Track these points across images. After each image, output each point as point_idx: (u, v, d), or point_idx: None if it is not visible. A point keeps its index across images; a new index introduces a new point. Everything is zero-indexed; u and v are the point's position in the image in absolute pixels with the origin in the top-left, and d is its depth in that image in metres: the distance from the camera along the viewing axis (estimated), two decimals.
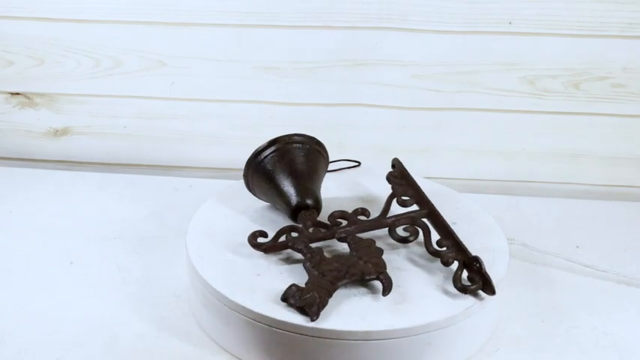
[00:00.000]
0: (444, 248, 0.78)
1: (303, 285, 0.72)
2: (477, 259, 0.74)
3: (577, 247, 0.96)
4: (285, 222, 0.83)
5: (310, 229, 0.79)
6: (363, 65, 1.06)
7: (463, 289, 0.73)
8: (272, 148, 0.85)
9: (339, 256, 0.76)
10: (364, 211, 0.83)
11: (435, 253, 0.77)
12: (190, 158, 1.14)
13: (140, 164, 1.15)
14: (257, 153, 0.86)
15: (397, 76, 1.06)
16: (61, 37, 1.06)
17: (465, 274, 0.75)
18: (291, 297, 0.71)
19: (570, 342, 0.79)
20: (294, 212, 0.82)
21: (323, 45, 1.05)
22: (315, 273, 0.73)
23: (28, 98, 1.12)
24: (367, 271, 0.74)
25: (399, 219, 0.81)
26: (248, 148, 1.12)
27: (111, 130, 1.13)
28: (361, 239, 0.78)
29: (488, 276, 0.73)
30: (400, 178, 0.87)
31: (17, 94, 1.12)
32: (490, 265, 0.79)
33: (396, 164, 0.89)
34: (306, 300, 0.70)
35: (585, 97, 1.06)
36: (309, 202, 0.82)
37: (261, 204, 0.89)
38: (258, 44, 1.05)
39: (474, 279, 0.74)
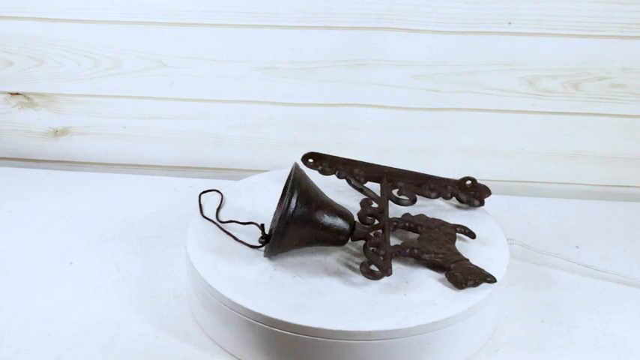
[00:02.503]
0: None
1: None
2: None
3: (577, 247, 0.96)
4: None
5: (378, 232, 0.80)
6: (362, 65, 1.06)
7: None
8: (295, 198, 0.75)
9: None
10: (368, 202, 0.85)
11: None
12: (190, 158, 1.14)
13: (140, 164, 1.15)
14: (285, 212, 0.75)
15: (397, 76, 1.06)
16: (60, 38, 1.06)
17: None
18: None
19: (570, 342, 0.79)
20: (352, 231, 0.79)
21: (323, 45, 1.05)
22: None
23: (28, 98, 1.12)
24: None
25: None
26: (248, 148, 1.12)
27: (111, 130, 1.13)
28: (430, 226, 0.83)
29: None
30: (318, 161, 0.89)
31: (17, 94, 1.12)
32: (490, 265, 0.79)
33: (303, 161, 0.90)
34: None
35: (585, 98, 1.06)
36: (351, 215, 0.80)
37: (261, 204, 0.89)
38: (258, 44, 1.05)
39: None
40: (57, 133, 1.14)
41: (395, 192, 0.89)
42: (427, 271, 0.78)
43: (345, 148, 1.11)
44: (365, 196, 0.87)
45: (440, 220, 0.85)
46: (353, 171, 0.89)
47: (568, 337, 0.80)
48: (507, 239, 0.85)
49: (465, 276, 0.75)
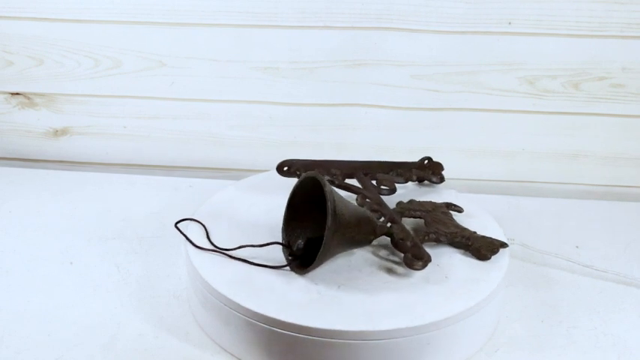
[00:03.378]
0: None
1: None
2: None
3: (577, 247, 0.96)
4: (278, 221, 0.83)
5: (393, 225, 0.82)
6: (362, 65, 1.06)
7: None
8: (335, 209, 0.74)
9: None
10: (364, 199, 0.86)
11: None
12: (190, 158, 1.14)
13: (140, 164, 1.15)
14: (331, 225, 0.73)
15: (397, 76, 1.06)
16: (60, 38, 1.06)
17: None
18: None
19: (570, 342, 0.79)
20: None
21: (323, 45, 1.05)
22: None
23: (28, 98, 1.12)
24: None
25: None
26: (248, 148, 1.12)
27: (111, 130, 1.13)
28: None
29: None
30: (292, 168, 0.89)
31: (17, 94, 1.12)
32: (490, 265, 0.79)
33: (279, 171, 0.90)
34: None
35: (585, 97, 1.06)
36: (372, 215, 0.81)
37: (261, 204, 0.89)
38: (258, 44, 1.05)
39: None
40: (57, 133, 1.14)
41: (373, 183, 0.91)
42: (427, 271, 0.78)
43: (345, 148, 1.11)
44: (355, 194, 0.88)
45: (430, 201, 0.88)
46: (330, 171, 0.90)
47: (568, 337, 0.80)
48: (507, 239, 0.85)
49: (487, 248, 0.80)
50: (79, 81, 1.09)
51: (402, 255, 0.78)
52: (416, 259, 0.76)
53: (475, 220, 0.88)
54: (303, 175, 0.78)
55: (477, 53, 1.04)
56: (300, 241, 0.80)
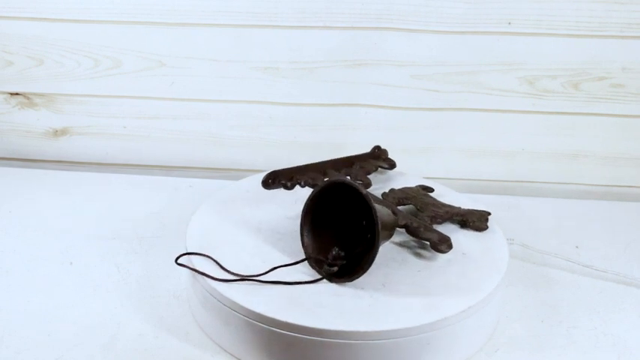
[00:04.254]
0: None
1: None
2: None
3: (577, 247, 0.96)
4: (278, 222, 0.83)
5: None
6: (362, 65, 1.06)
7: None
8: (378, 213, 0.74)
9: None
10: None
11: None
12: (190, 158, 1.14)
13: (140, 164, 1.15)
14: (376, 229, 0.73)
15: (397, 76, 1.06)
16: (60, 38, 1.06)
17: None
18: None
19: (570, 342, 0.79)
20: None
21: (323, 45, 1.05)
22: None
23: (28, 98, 1.12)
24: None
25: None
26: (248, 148, 1.12)
27: (110, 130, 1.13)
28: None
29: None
30: (275, 179, 0.89)
31: (17, 94, 1.12)
32: (490, 265, 0.79)
33: (265, 186, 0.89)
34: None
35: (585, 97, 1.06)
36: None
37: (260, 204, 0.89)
38: (258, 44, 1.05)
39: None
40: (57, 133, 1.14)
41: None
42: (426, 271, 0.78)
43: (345, 148, 1.11)
44: None
45: (408, 187, 0.92)
46: (308, 175, 0.90)
47: (568, 337, 0.80)
48: (507, 239, 0.85)
49: (479, 219, 0.86)
50: (79, 81, 1.09)
51: (416, 245, 0.81)
52: (441, 243, 0.79)
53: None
54: (328, 181, 0.76)
55: (477, 53, 1.04)
56: (334, 251, 0.76)
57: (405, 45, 1.04)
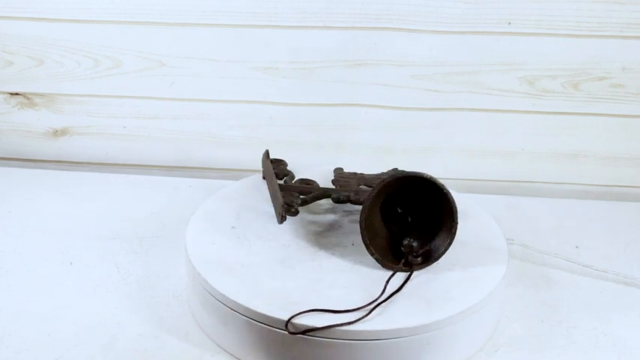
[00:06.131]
0: None
1: None
2: None
3: (577, 247, 0.96)
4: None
5: None
6: (362, 65, 1.06)
7: None
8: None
9: None
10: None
11: None
12: (190, 158, 1.14)
13: (140, 164, 1.15)
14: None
15: (397, 76, 1.06)
16: (60, 38, 1.06)
17: None
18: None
19: (570, 342, 0.79)
20: None
21: (323, 45, 1.05)
22: None
23: (28, 98, 1.12)
24: None
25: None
26: (248, 148, 1.12)
27: (110, 130, 1.13)
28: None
29: None
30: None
31: (16, 94, 1.12)
32: (490, 265, 0.79)
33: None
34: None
35: (584, 98, 1.06)
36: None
37: (260, 204, 0.89)
38: (258, 44, 1.05)
39: None
40: (57, 133, 1.14)
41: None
42: (426, 270, 0.77)
43: (345, 148, 1.11)
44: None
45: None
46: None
47: (568, 337, 0.80)
48: (507, 239, 0.85)
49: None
50: (79, 81, 1.09)
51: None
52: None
53: (475, 220, 0.88)
54: (407, 173, 0.76)
55: (477, 53, 1.04)
56: (406, 242, 0.78)
57: (405, 45, 1.04)
